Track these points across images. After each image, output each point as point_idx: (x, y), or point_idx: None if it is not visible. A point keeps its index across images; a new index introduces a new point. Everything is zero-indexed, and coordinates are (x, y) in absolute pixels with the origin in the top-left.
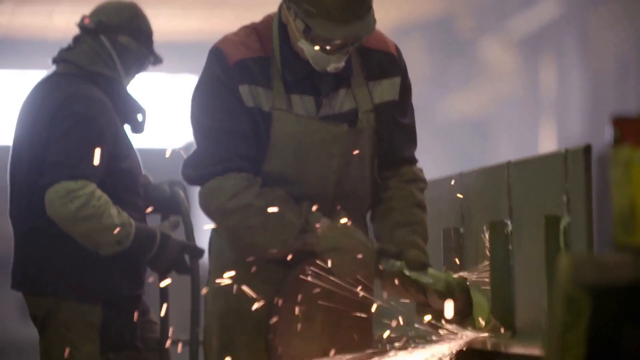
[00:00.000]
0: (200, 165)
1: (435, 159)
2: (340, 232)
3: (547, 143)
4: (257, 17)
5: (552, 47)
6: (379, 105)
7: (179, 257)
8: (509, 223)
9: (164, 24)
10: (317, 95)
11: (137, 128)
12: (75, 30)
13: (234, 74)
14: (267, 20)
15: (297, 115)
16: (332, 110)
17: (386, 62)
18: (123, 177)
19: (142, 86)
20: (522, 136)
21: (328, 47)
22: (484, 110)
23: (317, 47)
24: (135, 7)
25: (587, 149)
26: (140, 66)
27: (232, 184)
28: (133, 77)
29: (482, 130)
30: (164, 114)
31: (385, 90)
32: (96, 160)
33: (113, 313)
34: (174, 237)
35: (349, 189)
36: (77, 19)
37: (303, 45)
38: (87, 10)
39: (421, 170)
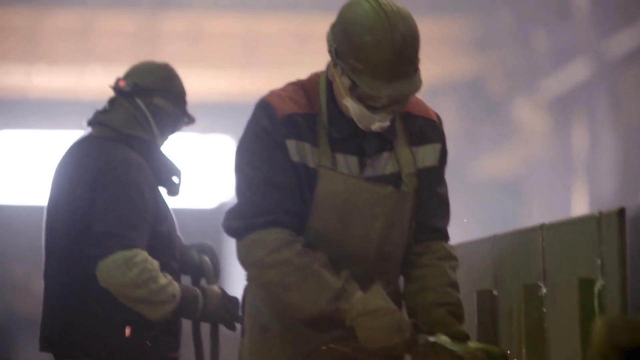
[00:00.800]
0: (243, 217)
1: (466, 219)
2: (374, 298)
3: (580, 204)
4: (287, 77)
5: (583, 108)
6: (421, 170)
7: (224, 309)
8: (543, 286)
9: (195, 84)
10: (361, 155)
11: (173, 190)
12: (108, 91)
13: (281, 128)
14: (314, 77)
15: (343, 174)
16: (375, 172)
17: (428, 128)
18: (161, 240)
19: (173, 146)
20: (554, 197)
21: (373, 105)
22: (516, 171)
23: (362, 105)
24: (169, 68)
25: (621, 212)
26: (174, 127)
27: (273, 238)
28: (167, 137)
29: (513, 191)
30: (196, 174)
31: (427, 155)
32: (143, 227)
33: None
34: (215, 290)
35: (390, 251)
36: (109, 79)
37: (348, 103)
38: (118, 70)
39: (453, 248)
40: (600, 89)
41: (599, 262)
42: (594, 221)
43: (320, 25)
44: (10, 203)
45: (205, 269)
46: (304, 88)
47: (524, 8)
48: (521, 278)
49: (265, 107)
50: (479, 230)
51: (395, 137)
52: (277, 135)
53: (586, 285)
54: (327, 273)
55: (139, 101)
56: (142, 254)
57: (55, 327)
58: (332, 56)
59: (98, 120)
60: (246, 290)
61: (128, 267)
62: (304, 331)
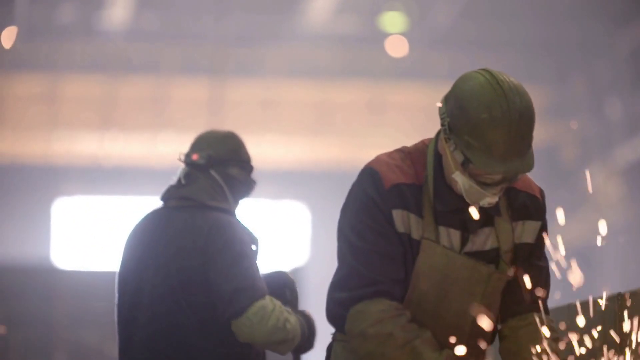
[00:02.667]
0: (349, 288)
1: None
2: None
3: None
4: (360, 145)
5: None
6: (518, 246)
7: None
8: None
9: (268, 151)
10: (463, 230)
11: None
12: (177, 159)
13: (388, 198)
14: (421, 146)
15: (445, 248)
16: (475, 247)
17: (530, 205)
18: None
19: (248, 212)
20: (630, 266)
21: (484, 182)
22: (590, 239)
23: (473, 181)
24: (236, 136)
25: None
26: (247, 193)
27: (379, 309)
28: (238, 204)
29: (587, 259)
30: (269, 239)
31: (526, 232)
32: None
33: None
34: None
35: (484, 330)
36: (181, 146)
37: (458, 177)
38: (190, 138)
39: (553, 321)
40: None
41: None
42: None
43: (395, 94)
44: (85, 269)
45: (288, 297)
46: (411, 157)
47: (598, 77)
48: (597, 346)
49: (372, 175)
50: (553, 299)
51: (498, 213)
52: (383, 204)
53: None
54: (428, 350)
55: (213, 173)
56: (270, 298)
57: None
58: (444, 130)
59: (179, 195)
60: (330, 349)
61: (268, 315)
62: None
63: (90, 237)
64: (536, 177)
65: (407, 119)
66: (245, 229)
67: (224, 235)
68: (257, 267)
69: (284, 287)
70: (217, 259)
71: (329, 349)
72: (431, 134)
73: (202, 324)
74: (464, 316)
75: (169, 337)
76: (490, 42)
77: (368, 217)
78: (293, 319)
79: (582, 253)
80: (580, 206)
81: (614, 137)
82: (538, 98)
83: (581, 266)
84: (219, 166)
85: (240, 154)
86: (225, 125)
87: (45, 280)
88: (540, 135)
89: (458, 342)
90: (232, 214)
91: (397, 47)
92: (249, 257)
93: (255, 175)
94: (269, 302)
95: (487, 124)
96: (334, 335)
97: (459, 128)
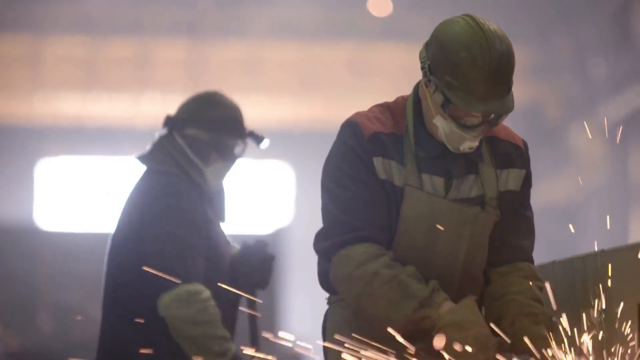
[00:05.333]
0: (332, 235)
1: None
2: (465, 310)
3: (638, 230)
4: (343, 104)
5: None
6: (503, 194)
7: None
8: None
9: (251, 111)
10: (447, 177)
11: (219, 216)
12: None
13: (368, 146)
14: (400, 100)
15: (429, 194)
16: (460, 195)
17: (514, 153)
18: (214, 267)
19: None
20: (612, 223)
21: (465, 124)
22: (573, 197)
23: (453, 124)
24: (206, 96)
25: None
26: (222, 153)
27: (361, 252)
28: (227, 163)
29: (570, 217)
30: (252, 200)
31: (511, 179)
32: (198, 259)
33: None
34: None
35: (474, 271)
36: (165, 107)
37: (439, 121)
38: (174, 98)
39: (537, 270)
40: None
41: None
42: None
43: (378, 54)
44: (69, 230)
45: (255, 280)
46: (390, 109)
47: (582, 36)
48: (579, 303)
49: (351, 126)
50: (537, 256)
51: (481, 160)
52: (363, 153)
53: None
54: (414, 282)
55: (175, 134)
56: (206, 292)
57: (105, 353)
58: (424, 73)
59: (138, 157)
60: (328, 315)
61: (189, 302)
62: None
63: (73, 198)
64: (520, 135)
65: (391, 79)
66: (185, 194)
67: (149, 211)
68: (183, 245)
69: (255, 266)
70: (142, 233)
71: (325, 315)
72: None
73: (131, 298)
74: (453, 261)
75: (105, 307)
76: (473, 1)
77: (348, 166)
78: (224, 333)
79: (565, 210)
80: (564, 164)
81: (597, 96)
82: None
83: (564, 223)
84: (179, 128)
85: (200, 114)
86: (208, 86)
87: (28, 242)
88: (523, 94)
89: (449, 288)
90: (176, 175)
91: (380, 7)
92: (172, 236)
93: None
94: (201, 291)
95: (467, 62)
96: (328, 300)
97: (440, 69)
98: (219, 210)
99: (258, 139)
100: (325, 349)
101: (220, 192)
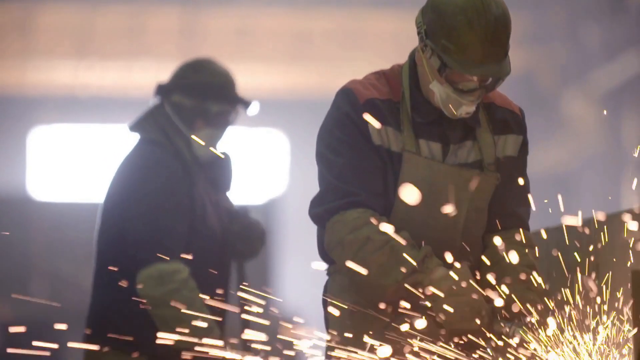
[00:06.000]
0: (326, 201)
1: None
2: (458, 277)
3: (630, 197)
4: (337, 72)
5: (634, 101)
6: (501, 159)
7: None
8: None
9: (244, 79)
10: (444, 143)
11: (217, 186)
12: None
13: (363, 112)
14: (396, 67)
15: (427, 159)
16: (458, 160)
17: (511, 120)
18: (203, 238)
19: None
20: (605, 191)
21: (461, 88)
22: (566, 165)
23: (450, 88)
24: (192, 64)
25: None
26: (208, 120)
27: (354, 217)
28: (215, 130)
29: (563, 184)
30: (245, 168)
31: (508, 145)
32: (181, 234)
33: None
34: None
35: (473, 236)
36: (157, 75)
37: (435, 86)
38: (166, 67)
39: (532, 237)
40: None
41: None
42: None
43: (371, 22)
44: (62, 200)
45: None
46: (386, 76)
47: (575, 2)
48: (571, 271)
49: (346, 93)
50: (529, 223)
51: (479, 126)
52: (358, 119)
53: (637, 276)
54: (407, 247)
55: (165, 102)
56: (183, 273)
57: (97, 322)
58: (421, 38)
59: (128, 126)
60: (327, 285)
61: (163, 282)
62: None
63: (66, 167)
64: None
65: (386, 46)
66: (167, 166)
67: (130, 184)
68: (162, 222)
69: (238, 234)
70: (124, 207)
71: (325, 286)
72: None
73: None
74: (453, 227)
75: (95, 276)
76: None
77: (343, 133)
78: (199, 305)
79: (559, 178)
80: (558, 132)
81: (591, 63)
82: (514, 24)
83: (558, 191)
84: (167, 95)
85: (185, 80)
86: (202, 54)
87: (21, 211)
88: (516, 61)
89: (451, 253)
90: (161, 145)
91: None
92: (151, 211)
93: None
94: (177, 271)
95: (463, 26)
96: (327, 270)
97: (436, 33)
98: (218, 179)
99: (245, 104)
100: (326, 319)
101: (218, 161)
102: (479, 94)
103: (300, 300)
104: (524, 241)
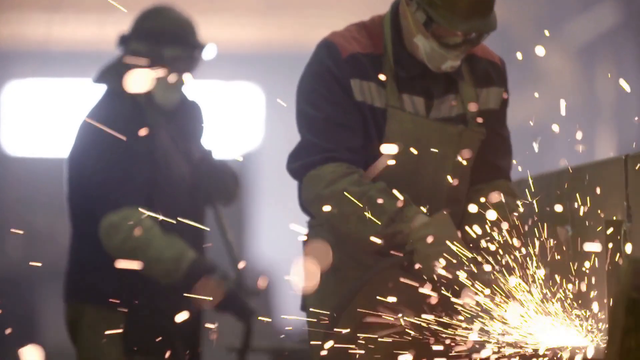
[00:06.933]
0: (303, 156)
1: None
2: (438, 225)
3: (606, 149)
4: (315, 23)
5: (610, 52)
6: (484, 112)
7: (236, 302)
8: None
9: (217, 32)
10: (427, 97)
11: (184, 134)
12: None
13: (346, 67)
14: (376, 19)
15: (413, 114)
16: (441, 114)
17: (492, 71)
18: (169, 184)
19: (196, 94)
20: (580, 143)
21: (446, 43)
22: (541, 117)
23: (435, 43)
24: (147, 10)
25: None
26: (163, 66)
27: (330, 171)
28: (173, 77)
29: (538, 136)
30: (219, 122)
31: (491, 98)
32: (140, 184)
33: (134, 319)
34: (230, 279)
35: (460, 196)
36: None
37: (420, 41)
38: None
39: (514, 188)
40: (628, 34)
41: (625, 204)
42: (621, 164)
43: None
44: (36, 155)
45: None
46: (367, 28)
47: None
48: (549, 221)
49: (328, 47)
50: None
51: (461, 79)
52: (341, 74)
53: (613, 227)
54: (384, 197)
55: (125, 52)
56: (133, 217)
57: (76, 278)
58: None
59: (93, 79)
60: (309, 235)
61: (113, 233)
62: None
63: (41, 122)
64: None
65: None
66: (124, 117)
67: (87, 135)
68: (113, 171)
69: (208, 176)
70: (81, 159)
71: (306, 238)
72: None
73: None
74: (439, 183)
75: (71, 229)
76: None
77: (323, 87)
78: (164, 244)
79: (532, 130)
80: (531, 85)
81: (567, 15)
82: None
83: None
84: (126, 45)
85: (139, 27)
86: (175, 5)
87: None
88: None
89: (437, 210)
90: (120, 96)
91: None
92: (104, 162)
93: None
94: (126, 218)
95: None
96: (308, 223)
97: None
98: (185, 127)
99: (200, 47)
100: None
101: (184, 109)
102: (464, 49)
103: (278, 255)
104: (505, 190)
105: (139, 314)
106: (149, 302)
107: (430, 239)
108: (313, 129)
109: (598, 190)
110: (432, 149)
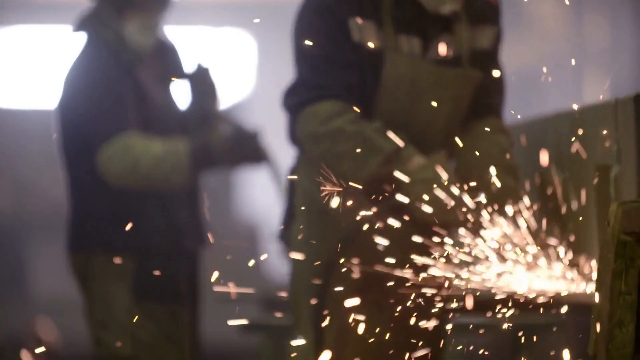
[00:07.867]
0: (298, 92)
1: None
2: (434, 167)
3: (596, 93)
4: None
5: None
6: (478, 52)
7: (245, 144)
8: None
9: None
10: (423, 38)
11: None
12: None
13: (345, 5)
14: None
15: (409, 57)
16: (437, 56)
17: (488, 10)
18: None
19: (186, 40)
20: (570, 87)
21: None
22: (531, 61)
23: None
24: None
25: (638, 99)
26: (134, 4)
27: (326, 108)
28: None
29: (529, 81)
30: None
31: (485, 37)
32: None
33: (145, 266)
34: (226, 121)
35: (454, 136)
36: None
37: None
38: None
39: (506, 127)
40: None
41: (615, 148)
42: (610, 108)
43: None
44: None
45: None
46: None
47: None
48: (538, 166)
49: None
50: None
51: (457, 19)
52: (339, 11)
53: (602, 171)
54: (380, 137)
55: None
56: (120, 143)
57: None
58: None
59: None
60: (297, 175)
61: (111, 162)
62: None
63: (25, 72)
64: None
65: None
66: (98, 63)
67: (68, 82)
68: (109, 101)
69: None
70: (72, 96)
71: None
72: None
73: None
74: (436, 125)
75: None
76: None
77: (320, 23)
78: (155, 151)
79: (523, 75)
80: (522, 28)
81: None
82: None
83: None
84: None
85: None
86: None
87: None
88: None
89: (432, 153)
90: (94, 42)
91: None
92: (95, 99)
93: (194, 1)
94: (114, 144)
95: None
96: (296, 159)
97: None
98: (166, 69)
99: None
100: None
101: (163, 50)
102: None
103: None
104: (497, 128)
105: (148, 260)
106: (157, 247)
107: (426, 181)
108: (309, 65)
109: (588, 135)
110: (427, 92)
